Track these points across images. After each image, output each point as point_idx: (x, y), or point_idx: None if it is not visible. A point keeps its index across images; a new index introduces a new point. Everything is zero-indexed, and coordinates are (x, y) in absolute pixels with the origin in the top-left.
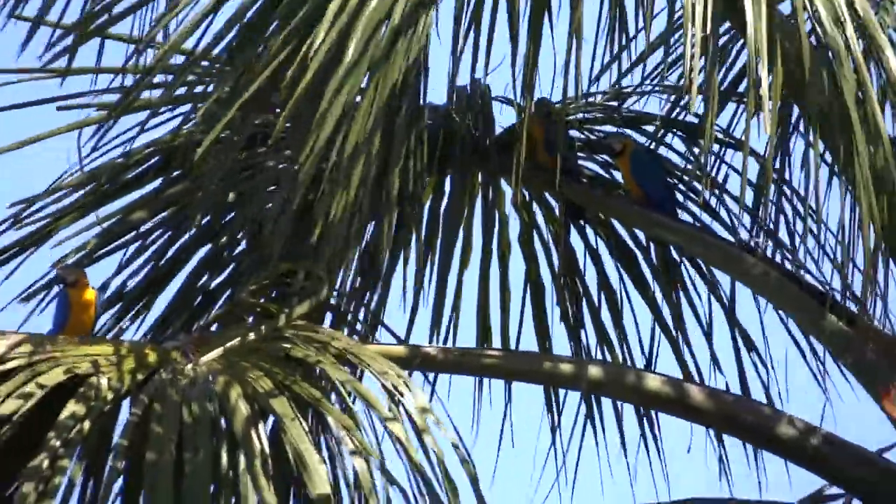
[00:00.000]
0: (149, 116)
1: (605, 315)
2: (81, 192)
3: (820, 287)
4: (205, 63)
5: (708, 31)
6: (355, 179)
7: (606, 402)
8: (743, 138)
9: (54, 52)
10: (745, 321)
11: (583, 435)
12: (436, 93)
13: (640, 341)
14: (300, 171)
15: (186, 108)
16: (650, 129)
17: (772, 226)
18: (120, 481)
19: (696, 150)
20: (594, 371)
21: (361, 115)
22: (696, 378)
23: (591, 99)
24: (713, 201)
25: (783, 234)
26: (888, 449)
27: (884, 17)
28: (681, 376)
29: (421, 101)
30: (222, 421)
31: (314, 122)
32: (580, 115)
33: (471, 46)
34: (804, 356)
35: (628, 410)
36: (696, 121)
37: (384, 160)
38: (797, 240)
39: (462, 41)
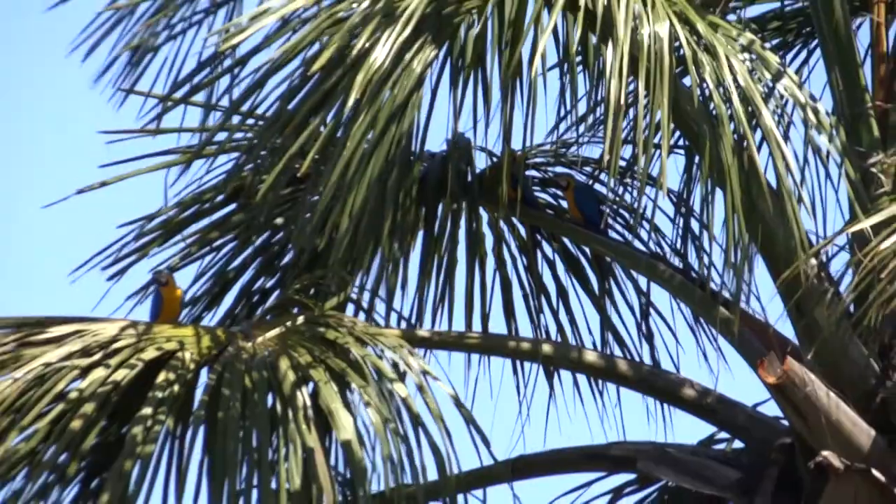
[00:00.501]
0: (214, 156)
1: (557, 305)
2: (167, 216)
3: (713, 287)
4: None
5: (622, 102)
6: (357, 206)
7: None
8: (660, 178)
9: (148, 114)
10: (661, 311)
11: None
12: (433, 137)
13: (588, 325)
14: (319, 203)
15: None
16: (588, 169)
17: (679, 242)
18: (201, 429)
19: (622, 187)
20: (547, 348)
21: (369, 164)
22: (628, 353)
23: (544, 147)
24: (634, 223)
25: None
26: (760, 403)
27: (757, 84)
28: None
29: (421, 148)
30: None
31: (330, 168)
32: (537, 160)
33: (462, 110)
34: (697, 336)
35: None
36: (623, 163)
37: (382, 196)
38: (696, 252)
39: (457, 106)
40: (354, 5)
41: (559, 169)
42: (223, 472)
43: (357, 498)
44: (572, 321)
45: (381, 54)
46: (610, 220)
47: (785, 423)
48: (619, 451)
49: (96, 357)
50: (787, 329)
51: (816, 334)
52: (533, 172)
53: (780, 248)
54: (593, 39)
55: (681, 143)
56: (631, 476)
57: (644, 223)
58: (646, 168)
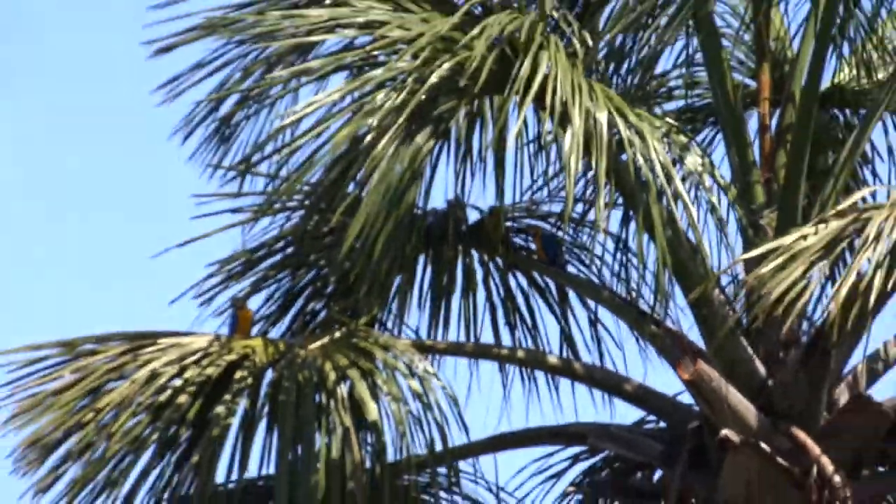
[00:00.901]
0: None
1: (529, 320)
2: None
3: (645, 308)
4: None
5: (577, 171)
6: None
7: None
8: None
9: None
10: (608, 326)
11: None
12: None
13: (548, 337)
14: (343, 247)
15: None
16: (552, 220)
17: (619, 273)
18: (265, 410)
19: (577, 233)
20: (521, 353)
21: (386, 220)
22: (582, 357)
23: (519, 203)
24: (590, 260)
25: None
26: (678, 394)
27: (673, 157)
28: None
29: (425, 206)
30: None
31: (353, 222)
32: (515, 214)
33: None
34: (638, 341)
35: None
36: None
37: (397, 242)
38: (631, 282)
39: (457, 175)
40: (379, 98)
41: (531, 221)
42: (281, 442)
43: (381, 464)
44: (537, 334)
45: (387, 140)
46: (567, 258)
47: (696, 408)
48: (574, 430)
49: (190, 360)
50: (697, 338)
51: (716, 341)
52: (510, 223)
53: (692, 277)
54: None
55: (620, 200)
56: (583, 448)
57: (594, 260)
58: (598, 217)
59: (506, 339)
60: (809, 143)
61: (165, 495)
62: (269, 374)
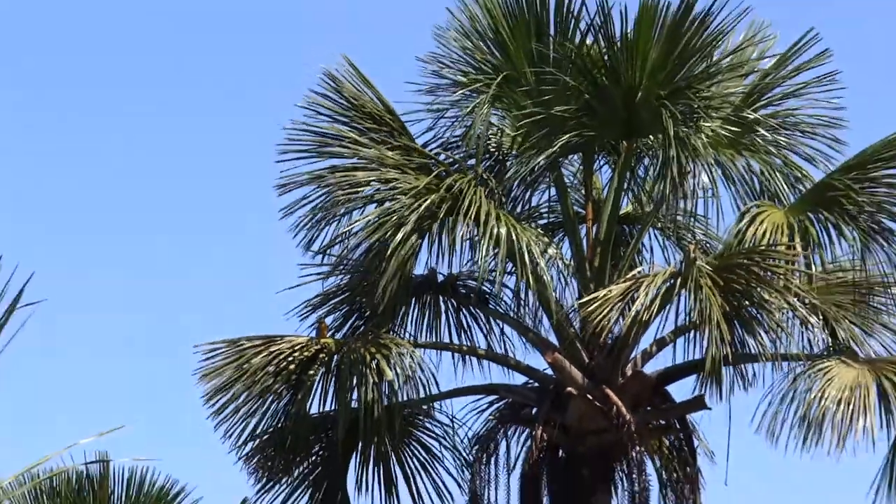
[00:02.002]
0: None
1: (469, 331)
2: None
3: (529, 325)
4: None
5: (489, 254)
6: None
7: None
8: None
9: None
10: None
11: None
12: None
13: (490, 343)
14: (376, 293)
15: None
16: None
17: (517, 307)
18: (332, 376)
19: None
20: (465, 347)
21: (400, 278)
22: (496, 349)
23: (463, 272)
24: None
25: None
26: (545, 369)
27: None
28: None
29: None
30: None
31: (380, 280)
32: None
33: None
34: (524, 344)
35: None
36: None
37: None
38: (523, 313)
39: (430, 257)
40: (393, 218)
41: (471, 282)
42: (340, 392)
43: (394, 403)
44: (473, 337)
45: (397, 238)
46: (490, 300)
47: (554, 376)
48: (493, 387)
49: (297, 348)
50: (555, 340)
51: (565, 342)
52: (458, 282)
53: (553, 310)
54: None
55: (512, 269)
56: (497, 396)
57: (501, 301)
58: (499, 278)
59: (457, 340)
60: (612, 242)
61: (283, 417)
62: (336, 357)
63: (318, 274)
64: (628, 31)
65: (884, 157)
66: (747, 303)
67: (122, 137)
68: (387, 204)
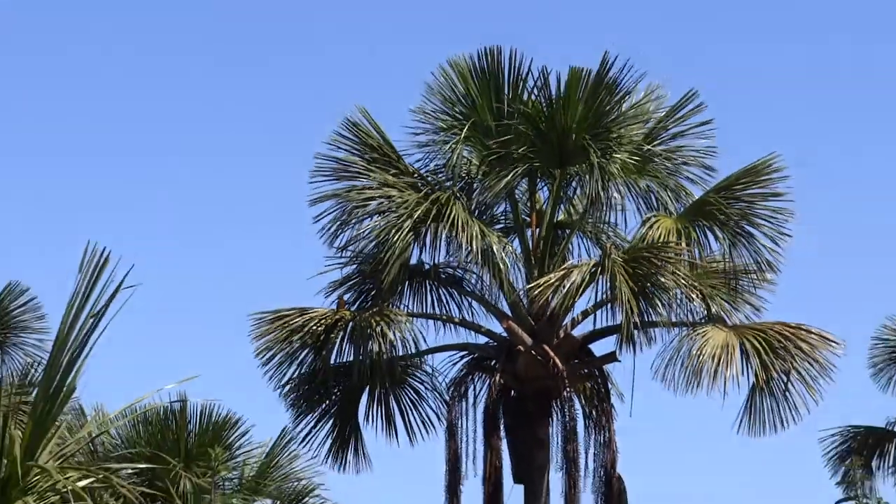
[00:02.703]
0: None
1: (448, 304)
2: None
3: (492, 302)
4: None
5: (467, 250)
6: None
7: None
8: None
9: None
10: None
11: None
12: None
13: (455, 310)
14: (384, 278)
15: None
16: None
17: (484, 288)
18: (349, 336)
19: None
20: (445, 315)
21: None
22: (467, 317)
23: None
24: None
25: None
26: (503, 332)
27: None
28: None
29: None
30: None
31: (385, 267)
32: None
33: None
34: (489, 316)
35: None
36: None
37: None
38: (490, 293)
39: (421, 251)
40: (395, 226)
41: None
42: (355, 346)
43: (393, 356)
44: (451, 309)
45: (397, 238)
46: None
47: (509, 337)
48: (465, 345)
49: (321, 317)
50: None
51: (518, 312)
52: (440, 270)
53: (508, 291)
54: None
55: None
56: (468, 352)
57: (471, 283)
58: (485, 263)
59: (438, 311)
60: (550, 241)
61: (312, 367)
62: (351, 324)
63: (339, 264)
64: (561, 91)
65: (743, 181)
66: (649, 284)
67: (209, 168)
68: (388, 214)
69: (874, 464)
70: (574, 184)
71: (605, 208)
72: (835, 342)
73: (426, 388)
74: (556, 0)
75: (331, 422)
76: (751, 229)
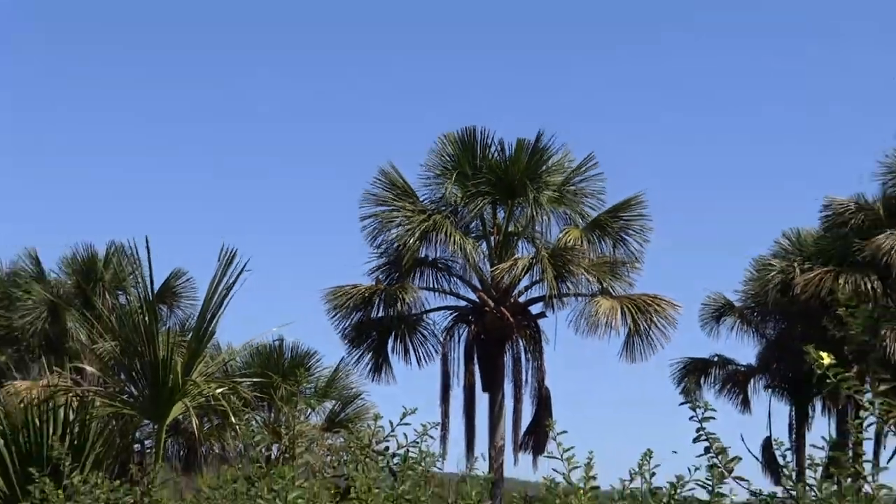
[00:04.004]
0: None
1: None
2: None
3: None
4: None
5: (455, 252)
6: None
7: None
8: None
9: None
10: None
11: None
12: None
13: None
14: (402, 265)
15: None
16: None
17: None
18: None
19: None
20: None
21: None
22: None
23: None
24: None
25: None
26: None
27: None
28: None
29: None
30: None
31: (403, 267)
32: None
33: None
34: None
35: None
36: None
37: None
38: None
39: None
40: (410, 227)
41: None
42: (386, 309)
43: (410, 314)
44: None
45: (406, 249)
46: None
47: (483, 304)
48: (452, 307)
49: (364, 290)
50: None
51: (485, 287)
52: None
53: (480, 274)
54: None
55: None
56: (453, 311)
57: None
58: (465, 256)
59: (437, 286)
60: (505, 243)
61: (360, 319)
62: (383, 293)
63: (377, 256)
64: (512, 153)
65: (623, 208)
66: (564, 271)
67: (304, 191)
68: (405, 227)
69: (702, 381)
70: (519, 209)
71: (538, 224)
72: (677, 305)
73: (429, 332)
74: (511, 88)
75: (370, 353)
76: (626, 236)
